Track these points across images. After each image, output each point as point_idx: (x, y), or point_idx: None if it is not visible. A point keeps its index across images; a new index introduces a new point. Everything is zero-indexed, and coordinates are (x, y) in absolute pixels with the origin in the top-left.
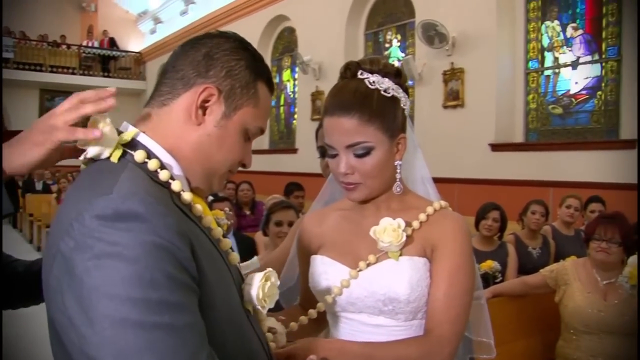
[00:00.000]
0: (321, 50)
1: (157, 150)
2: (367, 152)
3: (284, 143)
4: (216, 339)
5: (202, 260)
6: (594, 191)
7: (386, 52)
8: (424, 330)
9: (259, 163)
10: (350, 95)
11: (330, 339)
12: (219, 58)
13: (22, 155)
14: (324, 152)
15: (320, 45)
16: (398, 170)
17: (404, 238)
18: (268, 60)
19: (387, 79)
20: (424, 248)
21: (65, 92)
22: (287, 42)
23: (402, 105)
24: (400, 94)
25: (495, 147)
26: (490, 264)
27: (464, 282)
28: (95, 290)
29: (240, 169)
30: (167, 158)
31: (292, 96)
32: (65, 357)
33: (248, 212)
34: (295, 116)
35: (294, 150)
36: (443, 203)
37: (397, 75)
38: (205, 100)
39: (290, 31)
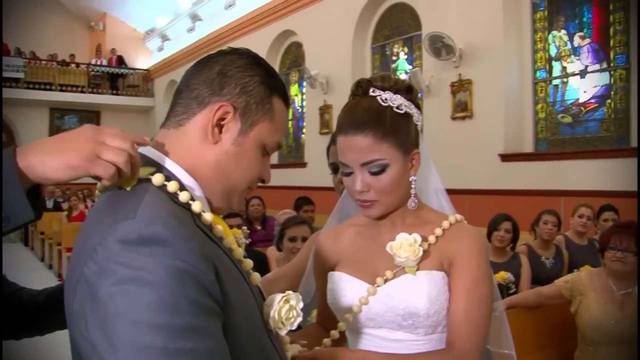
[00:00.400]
0: (328, 64)
1: (177, 171)
2: (382, 169)
3: (293, 157)
4: (239, 359)
5: (225, 283)
6: (606, 200)
7: (393, 65)
8: (445, 343)
9: None
10: (364, 113)
11: (353, 348)
12: (232, 75)
13: (54, 171)
14: (336, 168)
15: (327, 60)
16: (413, 186)
17: (421, 253)
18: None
19: (399, 96)
20: (441, 262)
21: (74, 110)
22: (294, 56)
23: (414, 120)
24: (412, 109)
25: (505, 157)
26: (503, 275)
27: (484, 295)
28: (119, 316)
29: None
30: (187, 179)
31: (300, 110)
32: None
33: (259, 227)
34: (304, 130)
35: (303, 165)
36: (458, 217)
37: (408, 91)
38: (221, 119)
39: (297, 46)
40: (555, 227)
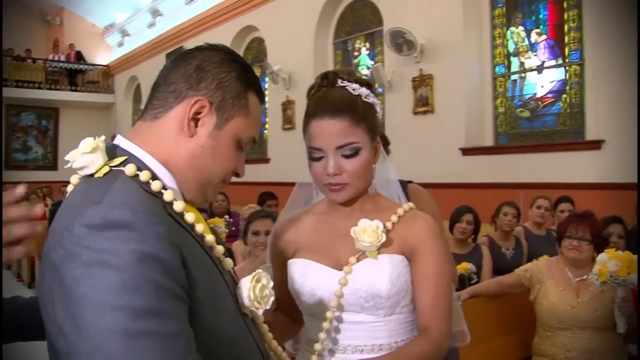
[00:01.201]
0: (291, 60)
1: (150, 162)
2: (356, 152)
3: (256, 153)
4: (209, 346)
5: (192, 269)
6: (563, 191)
7: (355, 61)
8: (419, 328)
9: None
10: (339, 100)
11: None
12: (209, 70)
13: None
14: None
15: (289, 55)
16: (374, 173)
17: (384, 238)
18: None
19: (364, 88)
20: (401, 247)
21: (31, 107)
22: (256, 52)
23: (377, 112)
24: (376, 102)
25: (466, 151)
26: (465, 266)
27: (447, 277)
28: (83, 298)
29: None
30: (160, 170)
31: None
32: None
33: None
34: (267, 126)
35: (266, 160)
36: (411, 204)
37: (369, 86)
38: (197, 112)
39: (259, 41)
40: (515, 219)
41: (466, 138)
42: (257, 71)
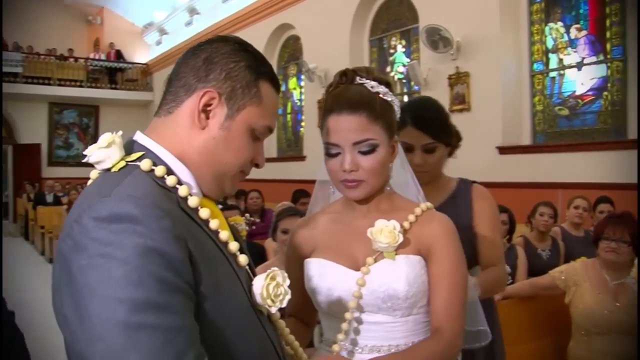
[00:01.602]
0: (326, 58)
1: (166, 157)
2: (373, 149)
3: (292, 151)
4: (218, 340)
5: (200, 265)
6: (603, 192)
7: (391, 58)
8: (432, 328)
9: (267, 171)
10: (357, 96)
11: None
12: (217, 62)
13: None
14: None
15: (325, 53)
16: (391, 172)
17: (401, 239)
18: (274, 69)
19: (382, 86)
20: (418, 247)
21: (73, 104)
22: (292, 50)
23: (395, 111)
24: (394, 101)
25: (503, 149)
26: None
27: (462, 278)
28: (87, 289)
29: (249, 177)
30: (176, 165)
31: (298, 104)
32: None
33: (258, 220)
34: (303, 124)
35: (301, 158)
36: (429, 204)
37: (387, 85)
38: (207, 104)
39: (295, 39)
40: (552, 219)
41: (503, 136)
42: (293, 69)
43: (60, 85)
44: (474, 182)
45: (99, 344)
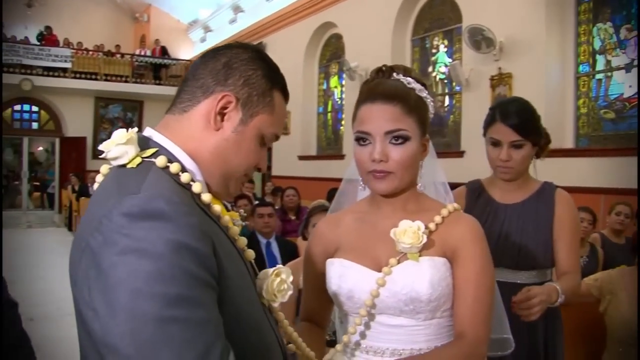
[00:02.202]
0: (368, 57)
1: (179, 154)
2: (404, 141)
3: (332, 149)
4: (236, 333)
5: (222, 259)
6: None
7: (433, 58)
8: (455, 333)
9: (306, 169)
10: (393, 87)
11: None
12: (237, 67)
13: None
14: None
15: (367, 52)
16: (421, 170)
17: (425, 240)
18: (315, 67)
19: (418, 84)
20: (443, 249)
21: (118, 99)
22: (334, 49)
23: (430, 109)
24: (429, 100)
25: None
26: None
27: (489, 283)
28: (120, 284)
29: (287, 174)
30: (188, 162)
31: (339, 102)
32: (91, 347)
33: (293, 217)
34: (343, 122)
35: (341, 157)
36: (456, 205)
37: (424, 85)
38: (224, 107)
39: (338, 38)
40: (591, 225)
41: None
42: (335, 68)
43: (106, 80)
44: (557, 187)
45: (131, 337)
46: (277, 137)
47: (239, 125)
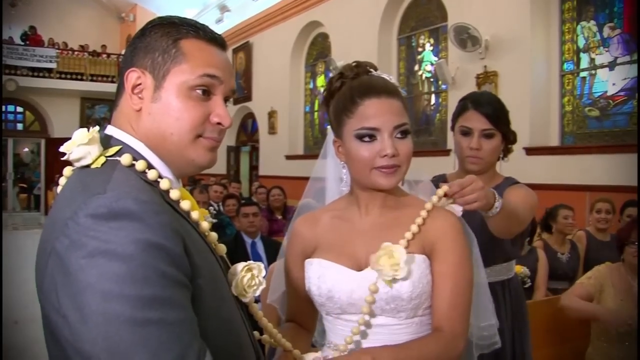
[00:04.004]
0: (355, 56)
1: (143, 150)
2: (407, 134)
3: (319, 148)
4: (209, 332)
5: (194, 257)
6: (632, 195)
7: (419, 57)
8: (433, 327)
9: (293, 168)
10: (389, 83)
11: (354, 352)
12: (137, 44)
13: None
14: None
15: (353, 51)
16: None
17: (404, 273)
18: (302, 67)
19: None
20: (423, 246)
21: (105, 100)
22: (321, 48)
23: None
24: None
25: (530, 150)
26: (519, 269)
27: (467, 276)
28: (89, 288)
29: (273, 173)
30: (151, 157)
31: None
32: (60, 355)
33: (279, 217)
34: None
35: None
36: (434, 199)
37: None
38: (135, 85)
39: (324, 37)
40: (574, 221)
41: (530, 137)
42: (321, 67)
43: (92, 80)
44: (517, 183)
45: (105, 342)
46: (211, 76)
47: (155, 92)
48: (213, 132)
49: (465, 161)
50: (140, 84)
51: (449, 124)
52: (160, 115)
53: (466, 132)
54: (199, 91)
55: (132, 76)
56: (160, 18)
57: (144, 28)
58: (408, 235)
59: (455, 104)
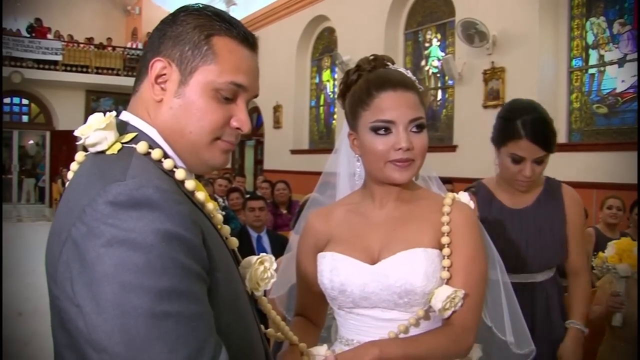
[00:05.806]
0: (361, 50)
1: (159, 139)
2: (423, 128)
3: (324, 143)
4: (223, 326)
5: (212, 249)
6: None
7: (426, 52)
8: (442, 320)
9: (298, 163)
10: (406, 76)
11: (361, 345)
12: (166, 31)
13: None
14: (518, 159)
15: (359, 46)
16: None
17: (460, 305)
18: (308, 61)
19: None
20: (438, 239)
21: (110, 92)
22: (327, 42)
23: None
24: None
25: None
26: None
27: (480, 270)
28: (107, 278)
29: (278, 168)
30: (166, 147)
31: (331, 96)
32: (70, 345)
33: (284, 211)
34: (335, 116)
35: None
36: (455, 195)
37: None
38: (159, 75)
39: (330, 31)
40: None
41: None
42: (327, 61)
43: (97, 73)
44: (561, 182)
45: (122, 335)
46: (238, 85)
47: (179, 87)
48: (231, 136)
49: (514, 183)
50: (164, 74)
51: (456, 120)
52: (182, 111)
53: (518, 160)
54: (224, 94)
55: (158, 65)
56: (194, 6)
57: (175, 14)
58: (445, 240)
59: (462, 100)
